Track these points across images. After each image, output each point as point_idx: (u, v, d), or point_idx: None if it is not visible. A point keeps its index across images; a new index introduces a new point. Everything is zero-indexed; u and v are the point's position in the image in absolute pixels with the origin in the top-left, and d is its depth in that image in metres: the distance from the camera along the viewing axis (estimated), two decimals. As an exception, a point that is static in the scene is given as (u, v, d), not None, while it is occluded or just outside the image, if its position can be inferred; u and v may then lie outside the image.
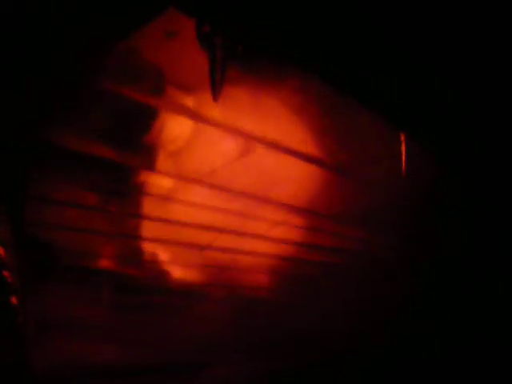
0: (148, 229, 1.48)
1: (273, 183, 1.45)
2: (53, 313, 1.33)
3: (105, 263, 1.49)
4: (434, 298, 1.67)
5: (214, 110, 1.31)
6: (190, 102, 1.34)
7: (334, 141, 1.49)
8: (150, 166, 1.40)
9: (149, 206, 1.45)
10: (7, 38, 1.19)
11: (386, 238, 1.57)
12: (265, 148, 1.36)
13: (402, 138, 1.59)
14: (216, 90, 1.29)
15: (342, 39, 1.38)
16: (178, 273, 1.54)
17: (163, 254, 1.52)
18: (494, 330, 1.65)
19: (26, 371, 1.32)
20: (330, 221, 1.50)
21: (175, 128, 1.40)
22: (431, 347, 1.67)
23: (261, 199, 1.45)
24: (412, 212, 1.52)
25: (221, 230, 1.47)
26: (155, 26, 1.40)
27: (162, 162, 1.41)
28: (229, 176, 1.40)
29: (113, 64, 1.39)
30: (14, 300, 1.26)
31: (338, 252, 1.55)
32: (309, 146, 1.42)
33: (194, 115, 1.34)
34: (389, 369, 1.65)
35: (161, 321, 1.43)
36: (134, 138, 1.37)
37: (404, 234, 1.57)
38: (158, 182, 1.43)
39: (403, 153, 1.58)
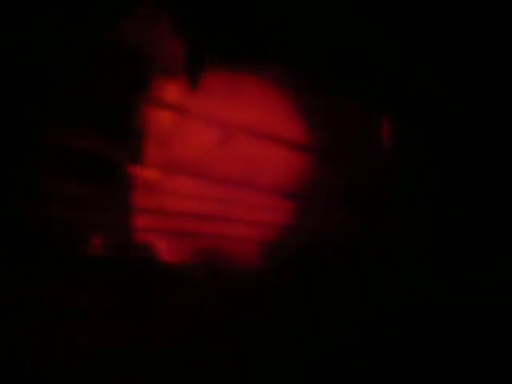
0: (134, 219, 1.51)
1: (255, 170, 1.47)
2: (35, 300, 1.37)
3: (91, 252, 1.52)
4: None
5: (193, 99, 1.33)
6: (168, 91, 1.36)
7: (314, 125, 1.51)
8: (132, 157, 1.42)
9: (133, 197, 1.47)
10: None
11: (364, 219, 1.59)
12: (245, 135, 1.38)
13: (385, 120, 1.62)
14: (194, 79, 1.30)
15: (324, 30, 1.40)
16: (165, 260, 1.57)
17: (150, 244, 1.55)
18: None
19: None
20: (310, 203, 1.53)
21: (155, 119, 1.42)
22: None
23: (244, 185, 1.47)
24: (389, 194, 1.55)
25: (206, 218, 1.50)
26: (132, 15, 1.41)
27: (144, 152, 1.43)
28: (211, 164, 1.42)
29: (93, 56, 1.41)
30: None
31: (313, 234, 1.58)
32: (288, 132, 1.44)
33: (173, 105, 1.35)
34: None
35: (148, 307, 1.47)
36: (115, 129, 1.39)
37: (377, 215, 1.59)
38: (141, 173, 1.46)
39: (385, 135, 1.60)
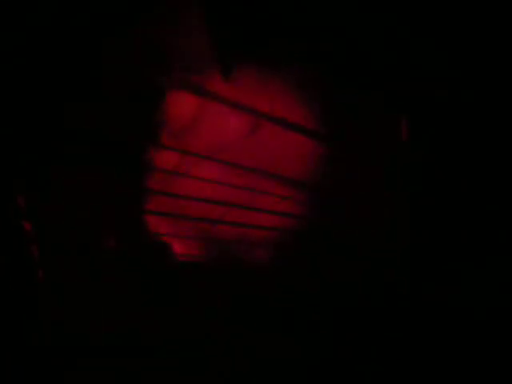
0: (159, 204, 1.51)
1: (279, 159, 1.49)
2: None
3: (113, 240, 1.52)
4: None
5: (223, 89, 1.35)
6: (199, 80, 1.37)
7: (336, 118, 1.54)
8: (162, 143, 1.43)
9: (160, 182, 1.48)
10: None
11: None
12: (272, 125, 1.40)
13: (401, 119, 1.65)
14: (226, 70, 1.33)
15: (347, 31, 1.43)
16: (185, 246, 1.57)
17: (173, 228, 1.55)
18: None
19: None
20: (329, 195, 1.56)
21: (185, 106, 1.43)
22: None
23: (268, 175, 1.49)
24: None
25: (230, 205, 1.52)
26: (163, 7, 1.43)
27: (173, 139, 1.44)
28: (237, 152, 1.44)
29: (124, 47, 1.42)
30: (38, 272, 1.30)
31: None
32: (314, 123, 1.48)
33: (203, 93, 1.37)
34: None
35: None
36: (147, 116, 1.40)
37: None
38: (169, 158, 1.47)
39: (402, 133, 1.64)
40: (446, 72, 1.55)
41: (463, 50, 1.52)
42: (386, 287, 1.68)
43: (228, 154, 1.46)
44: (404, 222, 1.68)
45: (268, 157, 1.49)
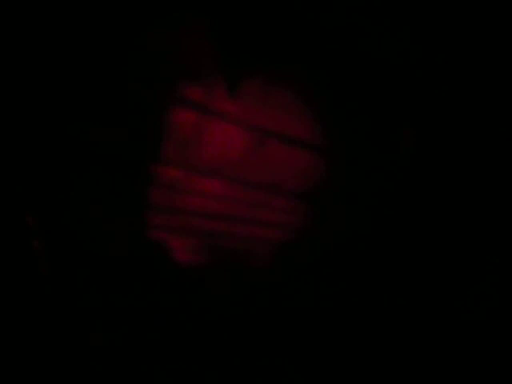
0: (160, 218, 1.52)
1: (281, 173, 1.50)
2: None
3: (117, 251, 1.53)
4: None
5: (227, 104, 1.35)
6: (203, 95, 1.37)
7: (339, 131, 1.55)
8: (165, 158, 1.43)
9: (162, 197, 1.48)
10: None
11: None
12: (275, 140, 1.41)
13: (404, 131, 1.66)
14: (232, 86, 1.32)
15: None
16: (186, 259, 1.59)
17: (173, 243, 1.56)
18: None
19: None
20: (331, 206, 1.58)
21: (189, 122, 1.43)
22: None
23: (270, 189, 1.50)
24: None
25: (230, 219, 1.53)
26: (171, 22, 1.42)
27: (176, 154, 1.44)
28: (240, 167, 1.44)
29: (131, 60, 1.41)
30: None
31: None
32: (316, 138, 1.48)
33: (207, 109, 1.37)
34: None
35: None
36: (151, 131, 1.39)
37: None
38: (171, 173, 1.47)
39: (404, 143, 1.65)
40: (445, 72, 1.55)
41: (463, 51, 1.52)
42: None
43: (231, 170, 1.46)
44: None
45: (271, 171, 1.50)
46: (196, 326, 1.62)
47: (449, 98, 1.59)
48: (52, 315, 1.48)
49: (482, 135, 1.63)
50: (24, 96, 1.38)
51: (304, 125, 1.48)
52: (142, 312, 1.57)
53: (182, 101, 1.43)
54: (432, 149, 1.64)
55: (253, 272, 1.69)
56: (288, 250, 1.69)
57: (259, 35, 1.38)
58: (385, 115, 1.58)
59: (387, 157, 1.61)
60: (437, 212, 1.69)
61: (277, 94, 1.44)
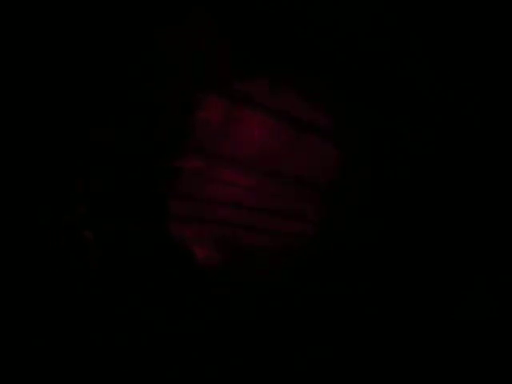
0: (186, 208, 1.54)
1: (312, 167, 1.53)
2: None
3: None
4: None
5: (265, 97, 1.38)
6: (238, 88, 1.39)
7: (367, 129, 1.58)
8: (199, 149, 1.45)
9: (188, 187, 1.50)
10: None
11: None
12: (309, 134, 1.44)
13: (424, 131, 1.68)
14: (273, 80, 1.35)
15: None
16: (207, 250, 1.61)
17: (197, 232, 1.58)
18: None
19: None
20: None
21: (223, 113, 1.44)
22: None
23: (299, 181, 1.53)
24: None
25: (257, 210, 1.55)
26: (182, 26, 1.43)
27: (208, 145, 1.45)
28: (271, 159, 1.46)
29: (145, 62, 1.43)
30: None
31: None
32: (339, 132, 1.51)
33: (240, 101, 1.39)
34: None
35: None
36: (186, 123, 1.41)
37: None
38: (198, 165, 1.48)
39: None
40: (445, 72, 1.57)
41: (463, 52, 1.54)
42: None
43: (265, 162, 1.49)
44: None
45: (302, 163, 1.52)
46: (204, 323, 1.65)
47: (463, 100, 1.62)
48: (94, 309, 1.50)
49: (489, 138, 1.66)
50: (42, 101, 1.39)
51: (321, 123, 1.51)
52: (154, 308, 1.58)
53: (218, 93, 1.44)
54: (448, 149, 1.66)
55: (265, 270, 1.70)
56: (306, 246, 1.71)
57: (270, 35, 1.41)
58: (410, 115, 1.61)
59: (409, 156, 1.64)
60: (437, 212, 1.71)
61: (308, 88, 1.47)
